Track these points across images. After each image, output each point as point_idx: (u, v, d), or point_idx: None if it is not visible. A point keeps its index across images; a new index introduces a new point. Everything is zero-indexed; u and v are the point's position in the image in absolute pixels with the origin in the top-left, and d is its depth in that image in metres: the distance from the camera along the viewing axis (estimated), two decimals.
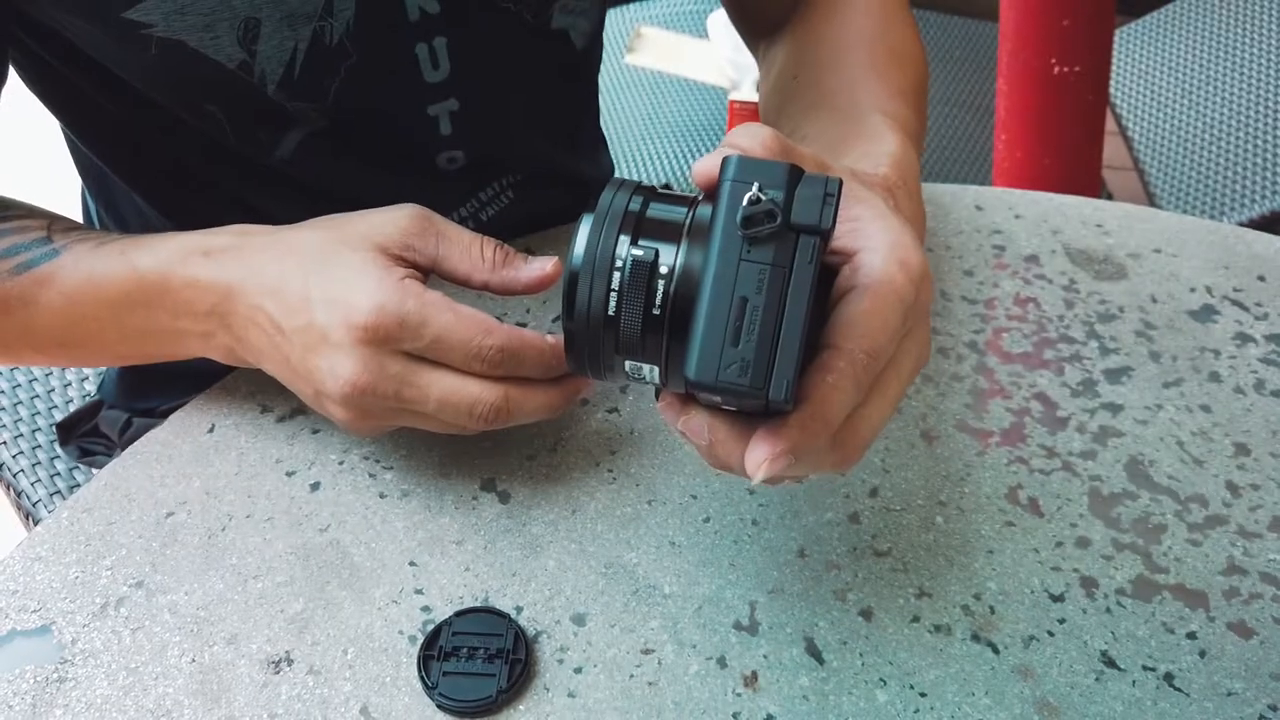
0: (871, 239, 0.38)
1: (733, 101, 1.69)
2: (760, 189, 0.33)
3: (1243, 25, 1.44)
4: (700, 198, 0.37)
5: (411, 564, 0.48)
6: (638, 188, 0.37)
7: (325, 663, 0.44)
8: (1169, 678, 0.44)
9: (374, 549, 0.49)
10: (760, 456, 0.35)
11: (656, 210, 0.36)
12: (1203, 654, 0.45)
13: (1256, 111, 1.33)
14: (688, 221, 0.35)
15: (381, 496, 0.51)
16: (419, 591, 0.47)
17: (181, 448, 0.53)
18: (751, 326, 0.33)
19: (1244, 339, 0.59)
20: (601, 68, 0.73)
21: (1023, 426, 0.54)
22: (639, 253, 0.34)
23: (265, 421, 0.54)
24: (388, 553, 0.48)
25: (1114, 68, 1.29)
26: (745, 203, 0.33)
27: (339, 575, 0.48)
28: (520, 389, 0.45)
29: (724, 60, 1.78)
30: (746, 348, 0.33)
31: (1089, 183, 1.26)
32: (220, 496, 0.51)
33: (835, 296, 0.37)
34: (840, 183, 0.34)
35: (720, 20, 1.82)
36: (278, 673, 0.44)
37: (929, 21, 2.20)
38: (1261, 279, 0.62)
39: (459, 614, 0.45)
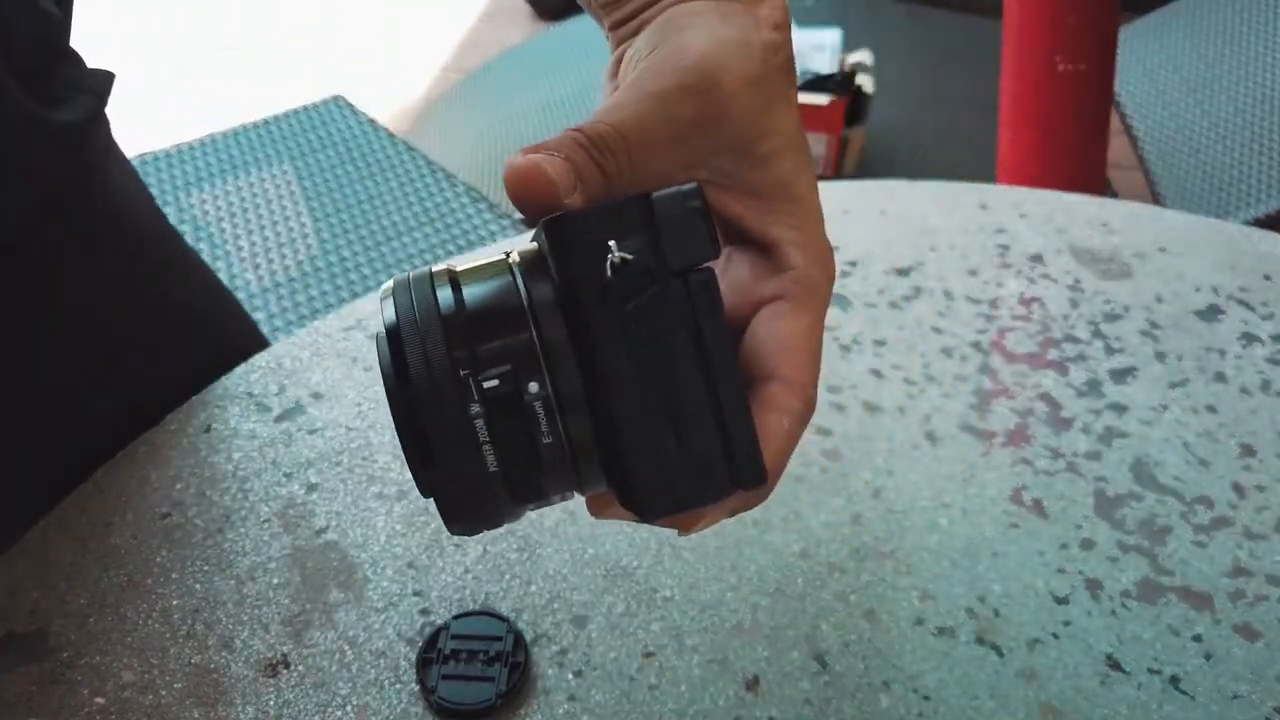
0: (781, 221, 0.30)
1: None
2: (617, 246, 0.25)
3: (1249, 22, 1.44)
4: (515, 259, 0.28)
5: (410, 566, 0.48)
6: (427, 282, 0.27)
7: (322, 666, 0.44)
8: (1174, 680, 0.43)
9: (372, 551, 0.48)
10: (697, 519, 0.28)
11: (479, 309, 0.26)
12: (1208, 657, 0.44)
13: (1263, 109, 1.32)
14: (528, 305, 0.26)
15: (380, 497, 0.50)
16: (417, 594, 0.47)
17: (178, 448, 0.53)
18: (686, 418, 0.26)
19: (1250, 339, 0.58)
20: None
21: (1027, 427, 0.54)
22: (493, 384, 0.25)
23: (263, 421, 0.54)
24: (386, 555, 0.48)
25: (1119, 65, 1.28)
26: (609, 273, 0.25)
27: (337, 577, 0.47)
28: None
29: None
30: (692, 446, 0.26)
31: (1094, 181, 1.26)
32: (217, 497, 0.50)
33: (753, 299, 0.30)
34: (698, 188, 0.26)
35: None
36: (274, 676, 0.44)
37: (933, 19, 2.20)
38: (1268, 278, 0.62)
39: (458, 617, 0.45)
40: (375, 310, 0.61)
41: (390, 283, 0.28)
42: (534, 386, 0.26)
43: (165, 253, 0.59)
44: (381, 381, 0.57)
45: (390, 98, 2.30)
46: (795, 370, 0.29)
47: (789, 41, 0.32)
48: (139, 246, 0.56)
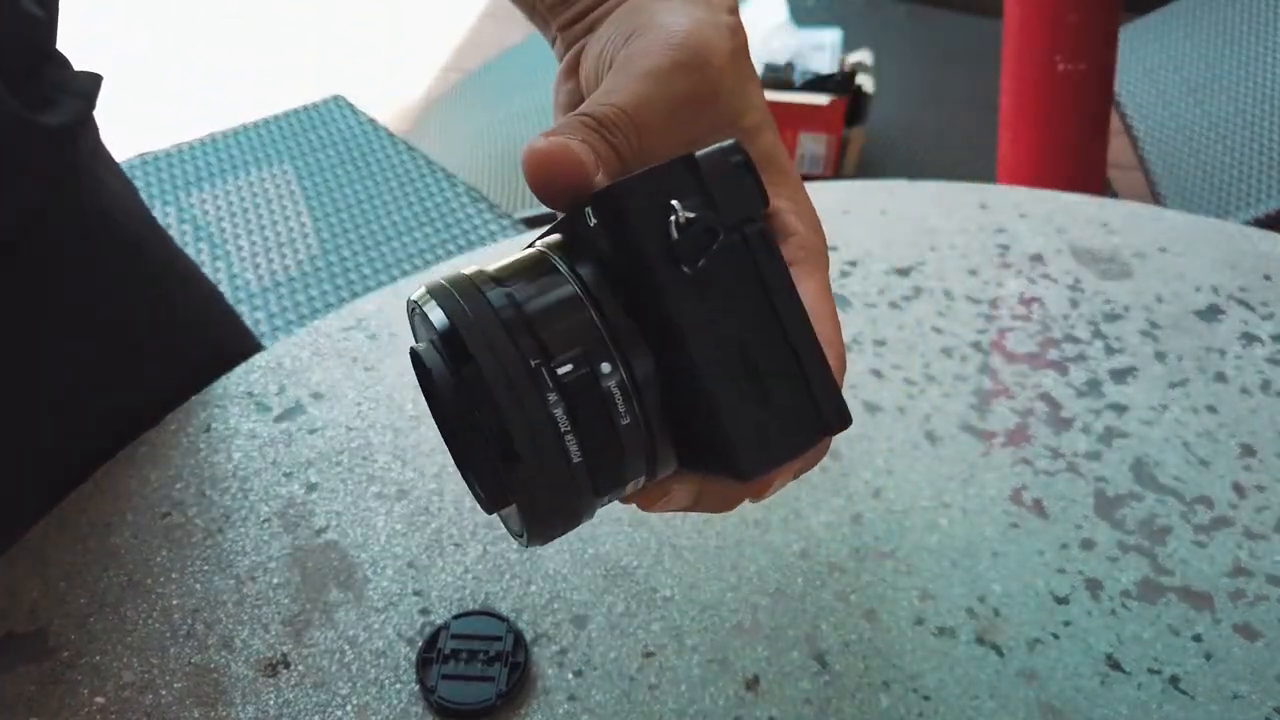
0: (776, 192, 0.31)
1: None
2: (681, 208, 0.24)
3: (1249, 22, 1.44)
4: (545, 249, 0.27)
5: (410, 566, 0.48)
6: (471, 284, 0.26)
7: (322, 666, 0.44)
8: (1174, 680, 0.43)
9: (372, 551, 0.48)
10: (773, 481, 0.28)
11: (532, 301, 0.26)
12: (1208, 656, 0.44)
13: (1263, 109, 1.32)
14: (581, 292, 0.26)
15: (380, 497, 0.50)
16: (417, 594, 0.46)
17: (178, 448, 0.53)
18: (769, 371, 0.25)
19: (1250, 339, 0.58)
20: None
21: (1027, 427, 0.54)
22: (566, 370, 0.25)
23: (263, 421, 0.54)
24: (386, 554, 0.48)
25: (1119, 65, 1.28)
26: (678, 235, 0.24)
27: (336, 577, 0.47)
28: None
29: None
30: (778, 398, 0.25)
31: (1094, 181, 1.26)
32: (217, 497, 0.50)
33: None
34: (737, 143, 0.26)
35: None
36: (274, 676, 0.44)
37: (933, 18, 2.20)
38: (1268, 278, 0.62)
39: (458, 616, 0.45)
40: (376, 310, 0.61)
41: (422, 290, 0.27)
42: (606, 368, 0.25)
43: (156, 256, 0.58)
44: (379, 383, 0.57)
45: (390, 97, 2.30)
46: (824, 328, 0.29)
47: (743, 24, 0.32)
48: (129, 250, 0.56)
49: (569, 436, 0.25)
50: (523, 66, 1.86)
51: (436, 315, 0.26)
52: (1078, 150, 1.22)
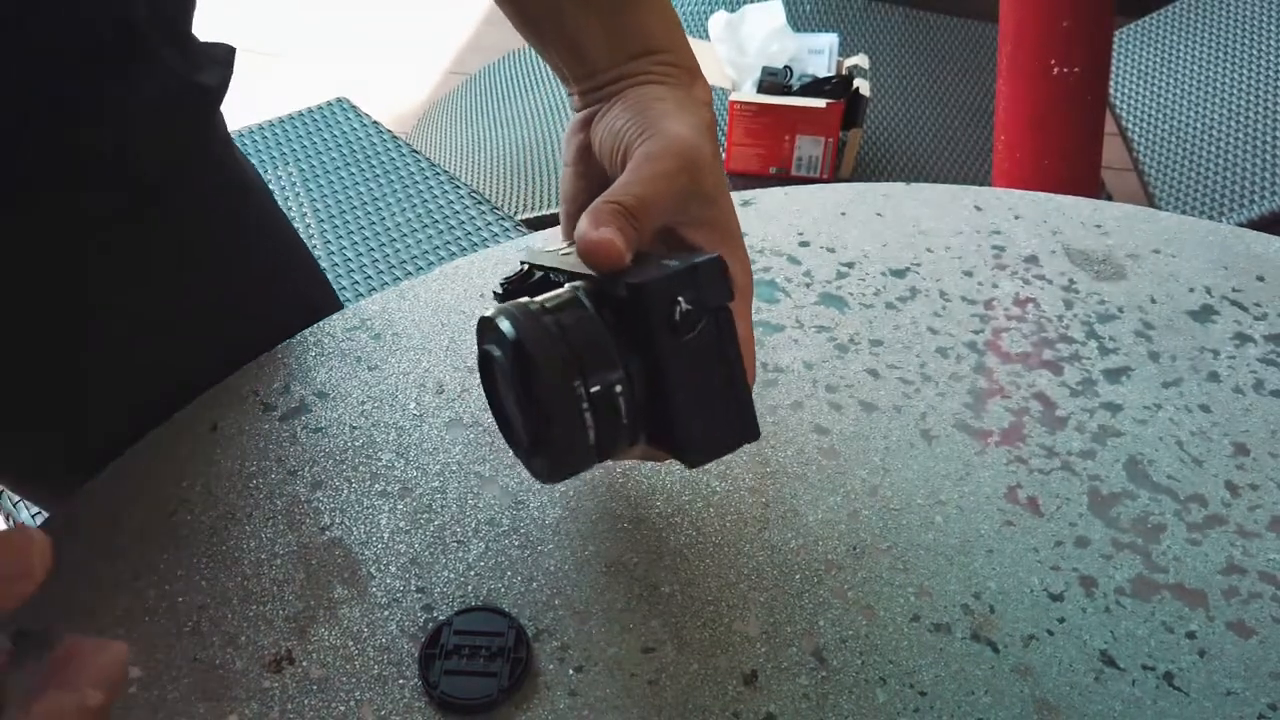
0: (723, 249, 0.42)
1: (733, 102, 1.69)
2: (683, 302, 0.38)
3: (1242, 26, 1.45)
4: (586, 301, 0.39)
5: (413, 563, 0.48)
6: (536, 315, 0.38)
7: (326, 662, 0.45)
8: (1168, 677, 0.44)
9: (375, 548, 0.49)
10: None
11: (578, 333, 0.38)
12: (1202, 653, 0.45)
13: (1256, 112, 1.33)
14: (613, 337, 0.39)
15: (383, 495, 0.51)
16: (420, 590, 0.47)
17: (184, 446, 0.53)
18: (713, 402, 0.39)
19: (1243, 339, 0.59)
20: None
21: (1022, 426, 0.54)
22: (597, 389, 0.38)
23: (268, 420, 0.55)
24: (389, 552, 0.49)
25: (1113, 69, 1.29)
26: (679, 319, 0.38)
27: (340, 574, 0.48)
28: None
29: (724, 61, 1.79)
30: (719, 415, 0.39)
31: (1088, 183, 1.27)
32: (222, 495, 0.51)
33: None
34: (719, 258, 0.39)
35: (721, 22, 1.82)
36: (279, 671, 0.44)
37: (927, 22, 2.21)
38: (1260, 279, 0.62)
39: (460, 613, 0.46)
40: (380, 310, 0.61)
41: (495, 310, 0.39)
42: (619, 389, 0.38)
43: (275, 223, 0.66)
44: (382, 382, 0.57)
45: (394, 100, 2.31)
46: (746, 348, 0.41)
47: (714, 112, 0.45)
48: (253, 213, 0.63)
49: (590, 427, 0.38)
50: (524, 70, 1.86)
51: (508, 329, 0.38)
52: (1072, 153, 1.23)
